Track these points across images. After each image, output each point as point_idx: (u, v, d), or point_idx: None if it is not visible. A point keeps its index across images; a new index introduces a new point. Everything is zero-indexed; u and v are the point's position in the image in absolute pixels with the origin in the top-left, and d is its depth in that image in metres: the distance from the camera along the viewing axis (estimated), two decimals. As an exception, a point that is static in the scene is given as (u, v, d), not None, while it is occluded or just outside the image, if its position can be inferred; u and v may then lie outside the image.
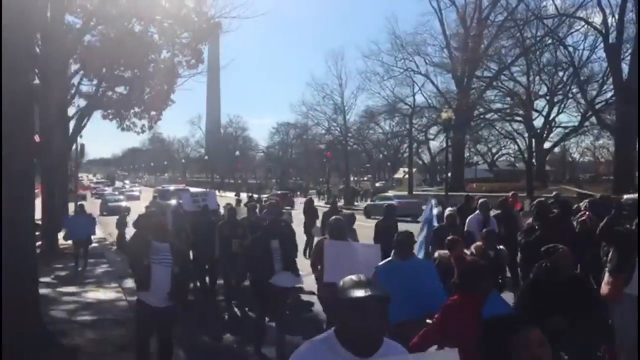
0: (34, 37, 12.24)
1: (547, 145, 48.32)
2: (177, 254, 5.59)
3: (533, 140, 44.70)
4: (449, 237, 6.67)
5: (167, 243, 5.61)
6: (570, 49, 41.99)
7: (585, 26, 39.95)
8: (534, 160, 45.84)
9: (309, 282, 9.22)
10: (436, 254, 6.58)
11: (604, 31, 36.68)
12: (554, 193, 14.21)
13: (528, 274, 7.08)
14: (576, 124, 45.62)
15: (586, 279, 4.87)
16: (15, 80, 6.34)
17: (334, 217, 7.38)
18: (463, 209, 10.83)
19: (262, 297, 6.86)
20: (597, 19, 38.25)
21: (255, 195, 28.32)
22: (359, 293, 2.12)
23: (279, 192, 49.57)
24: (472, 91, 46.37)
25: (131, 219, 12.64)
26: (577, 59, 41.93)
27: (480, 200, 10.18)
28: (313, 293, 8.83)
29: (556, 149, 56.40)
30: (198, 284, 10.60)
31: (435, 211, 10.68)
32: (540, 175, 45.02)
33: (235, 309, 9.64)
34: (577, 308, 4.38)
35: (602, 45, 38.32)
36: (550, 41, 42.11)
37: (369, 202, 38.30)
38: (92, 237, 15.00)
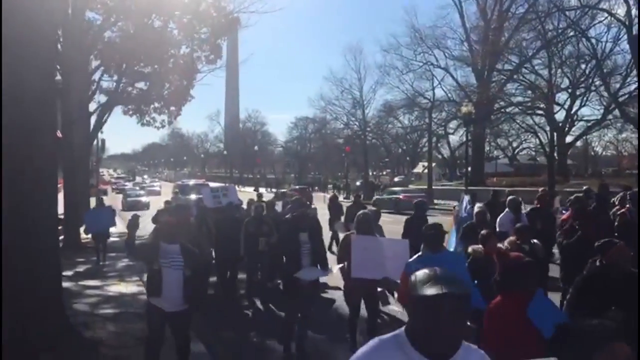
0: (56, 34, 12.36)
1: (568, 139, 47.55)
2: (188, 255, 5.34)
3: (554, 134, 44.10)
4: (482, 232, 6.49)
5: (177, 244, 5.34)
6: (593, 41, 41.25)
7: (609, 18, 39.23)
8: (555, 154, 45.26)
9: (333, 277, 9.19)
10: (470, 249, 6.36)
11: (627, 22, 36.02)
12: (585, 187, 13.86)
13: (568, 275, 6.87)
14: (599, 117, 44.77)
15: None
16: (38, 77, 6.40)
17: (361, 211, 7.20)
18: (491, 205, 10.58)
19: (291, 293, 6.67)
20: (621, 11, 37.61)
21: (280, 190, 28.39)
22: (434, 290, 1.88)
23: (297, 186, 49.61)
24: (493, 84, 45.78)
25: (148, 217, 12.57)
26: (600, 51, 41.17)
27: (510, 198, 9.76)
28: (339, 288, 8.77)
29: (578, 143, 55.58)
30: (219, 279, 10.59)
31: (467, 208, 10.51)
32: (561, 170, 44.38)
33: (258, 305, 9.64)
34: (635, 304, 4.14)
35: (625, 37, 37.66)
36: (572, 33, 41.38)
37: (376, 196, 38.27)
38: (112, 229, 15.17)
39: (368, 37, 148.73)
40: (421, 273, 1.98)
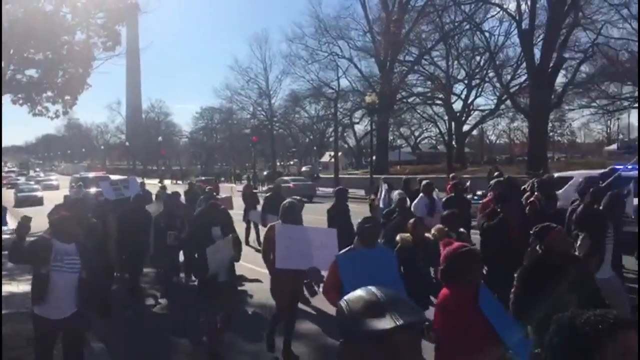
0: None
1: (465, 127, 50.02)
2: (86, 256, 4.83)
3: (452, 123, 46.29)
4: (410, 220, 6.47)
5: (73, 244, 4.79)
6: (487, 34, 43.56)
7: (501, 12, 41.50)
8: (453, 143, 47.46)
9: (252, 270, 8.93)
10: (398, 238, 6.25)
11: (517, 17, 38.16)
12: (496, 174, 14.38)
13: (487, 258, 6.83)
14: (492, 107, 47.54)
15: (579, 257, 4.79)
16: None
17: (287, 200, 6.87)
18: (403, 192, 10.54)
19: (209, 292, 6.26)
20: (512, 5, 39.83)
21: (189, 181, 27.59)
22: (386, 322, 1.40)
23: (203, 178, 48.66)
24: (395, 75, 47.22)
25: (42, 213, 11.85)
26: (493, 44, 43.55)
27: (424, 183, 9.81)
28: (258, 281, 8.53)
29: (474, 132, 58.61)
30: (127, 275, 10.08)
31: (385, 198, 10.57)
32: (459, 157, 46.64)
33: (166, 302, 9.27)
34: (578, 287, 4.16)
35: (516, 31, 39.95)
36: (467, 27, 43.46)
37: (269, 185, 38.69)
38: (6, 228, 14.12)
39: (273, 27, 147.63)
40: (356, 298, 1.50)
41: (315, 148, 77.16)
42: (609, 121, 61.45)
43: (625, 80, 38.23)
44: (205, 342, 6.56)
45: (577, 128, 65.93)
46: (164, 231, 8.97)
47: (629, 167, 9.98)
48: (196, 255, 6.62)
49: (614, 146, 53.61)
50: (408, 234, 6.18)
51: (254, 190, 18.59)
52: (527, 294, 4.24)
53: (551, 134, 54.33)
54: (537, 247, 4.51)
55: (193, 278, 9.16)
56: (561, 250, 4.39)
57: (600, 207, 6.64)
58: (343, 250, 5.08)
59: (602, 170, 11.87)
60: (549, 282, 4.09)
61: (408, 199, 9.01)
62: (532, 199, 7.96)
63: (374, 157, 42.08)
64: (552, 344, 1.65)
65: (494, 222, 7.17)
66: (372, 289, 1.51)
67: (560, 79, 38.81)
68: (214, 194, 13.37)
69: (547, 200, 8.29)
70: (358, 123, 60.61)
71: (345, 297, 1.53)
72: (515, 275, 4.53)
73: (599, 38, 36.55)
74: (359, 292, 1.51)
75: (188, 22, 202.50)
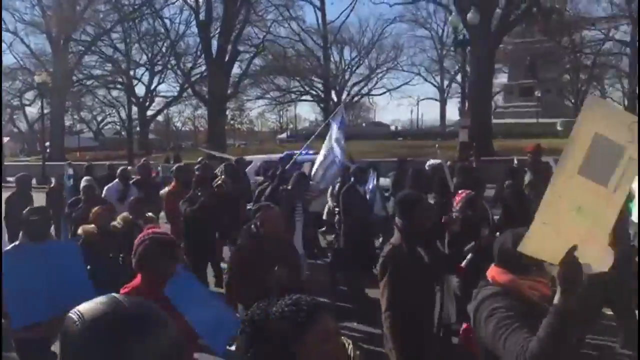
0: None
1: (150, 113, 49.66)
2: None
3: (136, 108, 45.37)
4: (94, 209, 5.87)
5: None
6: (168, 21, 43.72)
7: (180, 0, 42.06)
8: (138, 129, 46.63)
9: None
10: (80, 230, 5.58)
11: (195, 8, 39.20)
12: (200, 158, 14.54)
13: (188, 246, 7.20)
14: (175, 94, 48.09)
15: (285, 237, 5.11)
16: None
17: None
18: (102, 178, 10.19)
19: None
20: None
21: None
22: (141, 344, 1.11)
23: None
24: (70, 55, 43.97)
25: None
26: (174, 32, 43.94)
27: (121, 168, 9.71)
28: None
29: (161, 118, 58.56)
30: None
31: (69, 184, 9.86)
32: (144, 143, 46.07)
33: None
34: (285, 263, 4.33)
35: (194, 21, 40.97)
36: (148, 11, 42.94)
37: None
38: None
39: None
40: (96, 310, 1.14)
41: (-23, 132, 67.39)
42: (280, 112, 67.76)
43: (291, 75, 42.83)
44: None
45: (255, 117, 71.05)
46: None
47: (303, 152, 11.17)
48: None
49: (284, 134, 59.33)
50: (92, 226, 5.65)
51: None
52: (239, 273, 4.36)
53: (232, 122, 57.55)
54: (252, 226, 4.61)
55: None
56: (273, 230, 4.51)
57: (289, 187, 7.42)
58: (9, 247, 4.47)
59: (280, 155, 13.38)
60: (259, 261, 4.24)
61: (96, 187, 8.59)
62: (219, 182, 8.42)
63: (47, 143, 38.72)
64: (248, 346, 1.48)
65: (196, 206, 7.40)
66: (118, 297, 1.17)
67: (236, 70, 41.36)
68: None
69: (233, 183, 8.94)
70: (30, 105, 54.83)
71: (79, 308, 1.15)
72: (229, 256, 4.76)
73: (268, 35, 40.03)
74: (98, 304, 1.16)
75: None
